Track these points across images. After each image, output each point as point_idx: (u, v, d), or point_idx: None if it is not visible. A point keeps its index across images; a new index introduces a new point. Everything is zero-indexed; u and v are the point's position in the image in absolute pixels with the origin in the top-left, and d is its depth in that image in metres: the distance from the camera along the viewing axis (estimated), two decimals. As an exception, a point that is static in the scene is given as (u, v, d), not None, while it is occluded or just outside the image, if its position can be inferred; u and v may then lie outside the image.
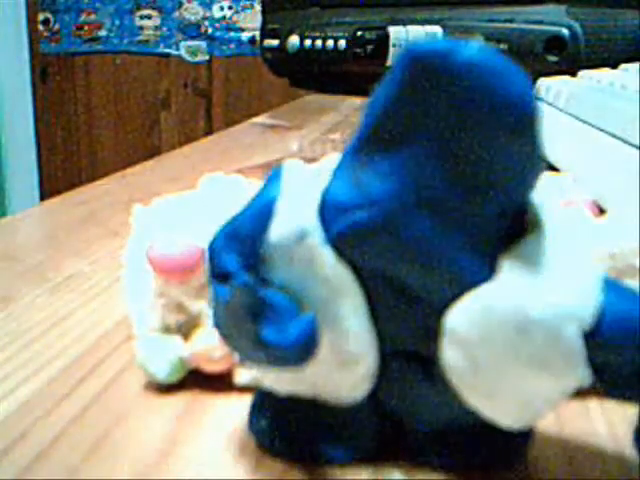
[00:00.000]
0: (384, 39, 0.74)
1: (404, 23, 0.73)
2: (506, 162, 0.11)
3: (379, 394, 0.14)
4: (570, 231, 0.12)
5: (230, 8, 1.49)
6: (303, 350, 0.13)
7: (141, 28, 1.55)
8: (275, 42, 0.86)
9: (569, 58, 0.64)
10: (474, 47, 0.11)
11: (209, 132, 1.47)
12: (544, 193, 0.13)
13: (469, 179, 0.12)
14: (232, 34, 1.50)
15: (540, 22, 0.66)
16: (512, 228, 0.12)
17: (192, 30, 1.52)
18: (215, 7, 1.50)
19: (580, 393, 0.13)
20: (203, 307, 0.17)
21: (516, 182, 0.12)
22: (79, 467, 0.14)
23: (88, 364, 0.19)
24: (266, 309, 0.13)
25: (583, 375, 0.12)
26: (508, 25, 0.68)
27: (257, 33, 1.25)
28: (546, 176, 0.12)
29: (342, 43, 0.79)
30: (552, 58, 0.65)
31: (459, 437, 0.14)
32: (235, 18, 1.49)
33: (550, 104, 0.47)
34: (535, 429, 0.15)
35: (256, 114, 0.75)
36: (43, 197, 1.66)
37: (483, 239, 0.12)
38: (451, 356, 0.13)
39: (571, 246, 0.12)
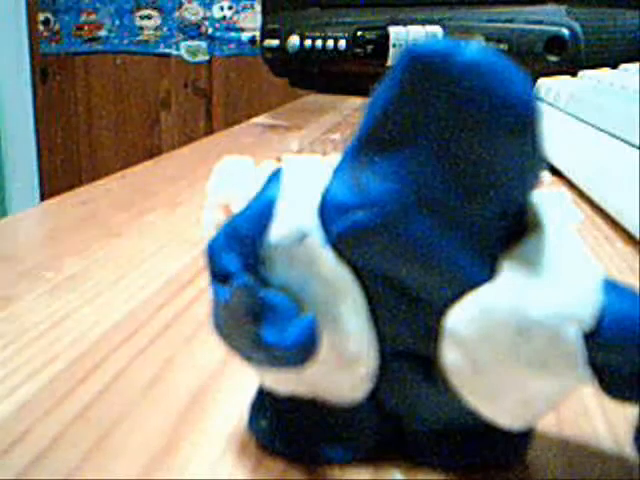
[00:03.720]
0: (384, 39, 0.74)
1: (404, 23, 0.73)
2: (506, 162, 0.11)
3: (379, 394, 0.14)
4: (570, 231, 0.12)
5: (230, 8, 1.49)
6: (303, 351, 0.12)
7: (141, 28, 1.55)
8: (275, 42, 0.86)
9: (569, 58, 0.64)
10: (474, 48, 0.11)
11: (209, 132, 1.47)
12: (544, 193, 0.13)
13: (469, 179, 0.12)
14: (232, 34, 1.50)
15: (540, 22, 0.66)
16: (512, 228, 0.12)
17: (192, 30, 1.52)
18: (215, 7, 1.50)
19: (580, 393, 0.13)
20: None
21: (516, 182, 0.12)
22: (79, 467, 0.14)
23: (88, 364, 0.19)
24: (266, 310, 0.13)
25: (583, 375, 0.12)
26: (508, 25, 0.68)
27: (257, 33, 1.25)
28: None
29: (342, 43, 0.79)
30: (552, 58, 0.65)
31: (459, 437, 0.14)
32: (235, 18, 1.49)
33: (550, 104, 0.47)
34: (535, 429, 0.15)
35: (256, 114, 0.75)
36: (43, 197, 1.66)
37: (483, 239, 0.12)
38: (451, 356, 0.13)
39: (571, 246, 0.12)
